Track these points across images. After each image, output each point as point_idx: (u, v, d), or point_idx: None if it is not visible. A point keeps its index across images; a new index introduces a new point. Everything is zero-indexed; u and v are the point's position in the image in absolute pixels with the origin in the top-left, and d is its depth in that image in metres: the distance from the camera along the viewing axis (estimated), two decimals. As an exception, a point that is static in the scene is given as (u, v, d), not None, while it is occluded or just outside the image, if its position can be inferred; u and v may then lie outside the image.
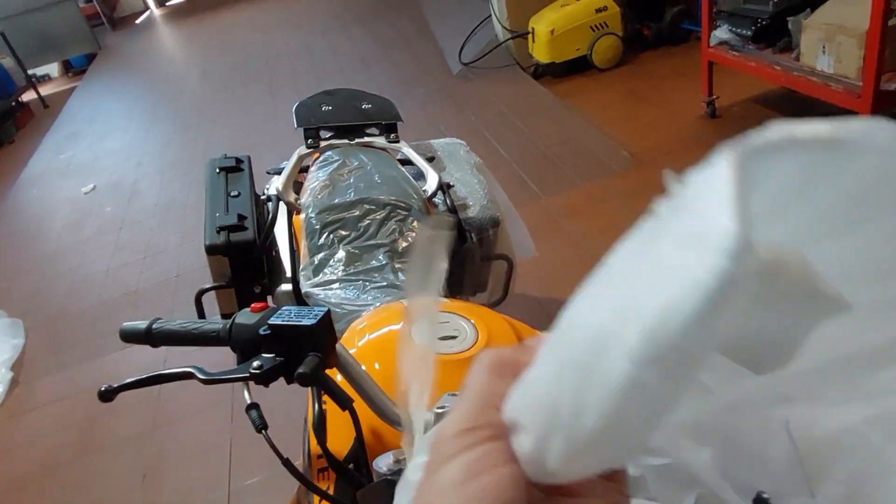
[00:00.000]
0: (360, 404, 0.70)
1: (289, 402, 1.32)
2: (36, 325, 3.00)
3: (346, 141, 1.72)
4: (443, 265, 0.36)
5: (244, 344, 0.67)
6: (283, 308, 0.68)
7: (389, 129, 1.75)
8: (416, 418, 0.38)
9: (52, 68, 8.28)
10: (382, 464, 0.67)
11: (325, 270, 1.29)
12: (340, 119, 1.77)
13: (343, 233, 1.35)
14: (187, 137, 4.94)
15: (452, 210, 1.46)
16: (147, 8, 10.28)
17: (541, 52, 4.01)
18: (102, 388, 0.66)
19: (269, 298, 1.56)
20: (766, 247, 0.22)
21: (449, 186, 1.54)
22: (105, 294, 3.11)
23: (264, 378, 0.65)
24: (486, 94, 4.13)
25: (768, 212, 0.23)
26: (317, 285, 1.26)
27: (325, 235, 1.36)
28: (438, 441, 0.25)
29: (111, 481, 2.10)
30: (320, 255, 1.32)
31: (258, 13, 8.30)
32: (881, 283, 0.28)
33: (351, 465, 0.75)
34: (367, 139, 1.74)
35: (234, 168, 1.65)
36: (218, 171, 1.64)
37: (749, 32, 2.70)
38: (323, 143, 1.71)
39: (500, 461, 0.24)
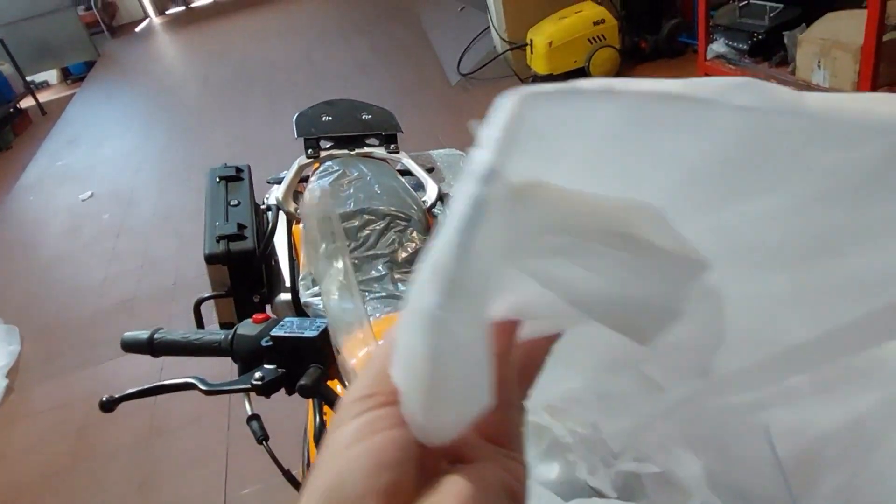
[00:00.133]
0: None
1: (286, 412, 1.31)
2: (32, 332, 2.99)
3: (346, 151, 1.73)
4: None
5: (246, 355, 0.68)
6: (285, 319, 0.68)
7: (389, 140, 1.76)
8: None
9: (51, 75, 8.29)
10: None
11: (325, 280, 1.29)
12: (340, 129, 1.79)
13: (343, 243, 1.36)
14: (186, 146, 4.95)
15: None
16: (146, 16, 10.32)
17: (539, 64, 4.04)
18: (104, 399, 0.67)
19: (268, 307, 1.56)
20: (523, 178, 0.23)
21: (448, 197, 1.55)
22: (102, 302, 3.11)
23: (266, 389, 0.65)
24: (484, 105, 4.09)
25: (602, 158, 0.25)
26: (316, 295, 1.26)
27: (324, 245, 1.36)
28: (339, 407, 0.27)
29: (107, 489, 2.09)
30: (320, 265, 1.32)
31: (258, 22, 8.34)
32: (799, 265, 0.29)
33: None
34: (366, 150, 1.75)
35: (234, 177, 1.66)
36: (218, 180, 1.65)
37: (745, 46, 2.73)
38: (323, 154, 1.72)
39: (388, 425, 0.25)
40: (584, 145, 0.26)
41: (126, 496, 2.03)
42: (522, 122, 0.23)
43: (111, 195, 4.34)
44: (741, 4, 2.87)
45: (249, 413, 0.73)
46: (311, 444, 0.81)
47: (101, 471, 2.16)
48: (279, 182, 1.66)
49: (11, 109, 6.39)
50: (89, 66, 8.12)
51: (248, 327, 0.69)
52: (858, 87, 2.17)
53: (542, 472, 0.48)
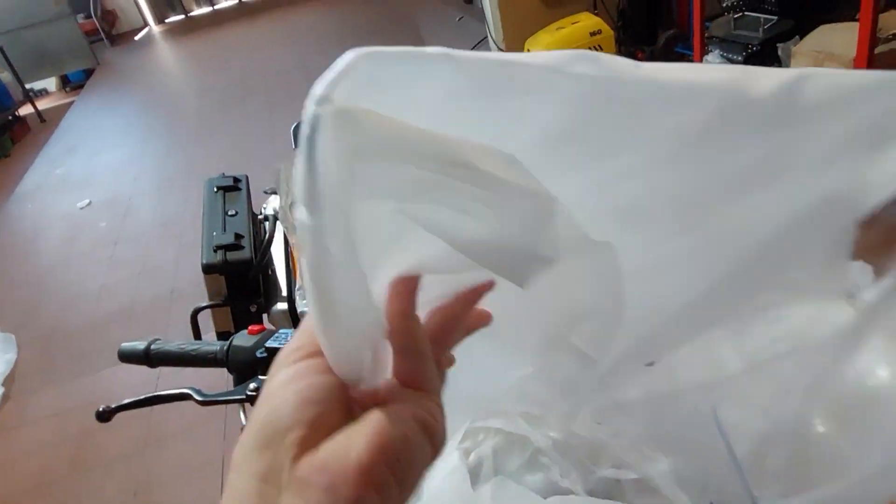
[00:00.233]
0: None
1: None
2: (28, 340, 2.99)
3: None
4: None
5: (241, 366, 0.68)
6: (280, 331, 0.69)
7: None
8: None
9: (50, 83, 8.31)
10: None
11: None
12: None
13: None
14: (184, 154, 4.96)
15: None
16: (146, 24, 10.36)
17: (536, 74, 4.06)
18: (100, 409, 0.67)
19: (265, 317, 1.57)
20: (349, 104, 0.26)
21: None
22: (99, 310, 3.11)
23: (261, 400, 0.66)
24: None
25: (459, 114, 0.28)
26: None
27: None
28: (276, 359, 0.31)
29: (102, 498, 2.09)
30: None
31: (257, 31, 8.37)
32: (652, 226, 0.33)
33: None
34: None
35: (231, 187, 1.67)
36: (216, 190, 1.66)
37: (740, 58, 2.75)
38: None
39: (315, 371, 0.29)
40: (429, 102, 0.28)
41: (121, 505, 2.03)
42: (358, 70, 0.26)
43: (109, 203, 4.35)
44: (736, 16, 2.90)
45: (244, 424, 0.74)
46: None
47: (96, 479, 2.16)
48: (277, 192, 1.67)
49: (10, 117, 6.40)
50: (88, 73, 8.14)
51: (243, 339, 0.70)
52: (851, 99, 2.19)
53: (528, 479, 0.49)
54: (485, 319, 0.38)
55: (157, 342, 0.73)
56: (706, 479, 0.41)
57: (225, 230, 1.52)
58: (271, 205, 1.61)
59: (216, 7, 10.43)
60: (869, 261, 0.36)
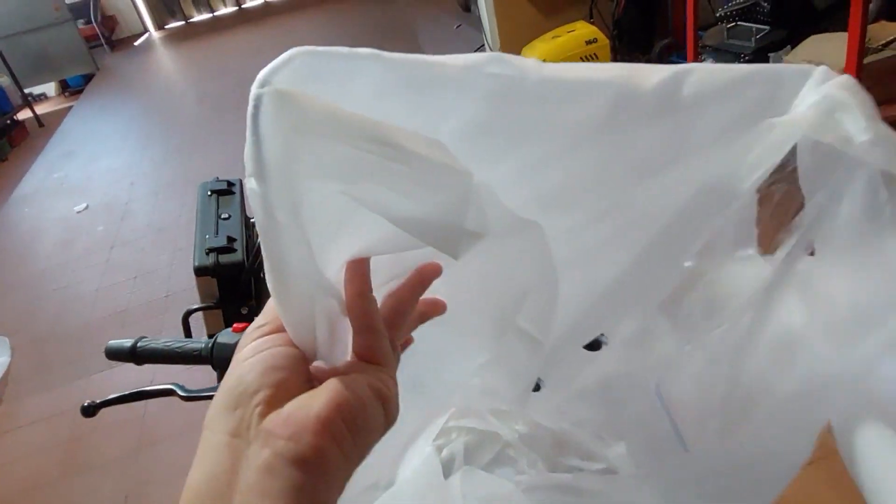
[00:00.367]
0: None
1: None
2: (22, 343, 2.99)
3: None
4: None
5: (225, 363, 0.69)
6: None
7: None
8: None
9: (50, 88, 8.33)
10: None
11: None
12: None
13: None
14: (182, 159, 4.98)
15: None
16: (146, 30, 10.40)
17: (532, 82, 4.09)
18: (85, 404, 0.68)
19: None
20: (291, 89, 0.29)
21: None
22: (94, 313, 3.11)
23: (244, 396, 0.67)
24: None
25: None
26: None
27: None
28: (244, 335, 0.34)
29: (94, 501, 2.09)
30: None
31: (256, 38, 8.41)
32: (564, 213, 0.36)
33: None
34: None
35: (225, 191, 1.68)
36: (209, 193, 1.67)
37: (733, 67, 2.78)
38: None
39: (279, 344, 0.32)
40: (361, 95, 0.31)
41: (113, 508, 2.03)
42: (297, 63, 0.30)
43: (106, 208, 4.36)
44: (729, 26, 2.93)
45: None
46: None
47: (88, 483, 2.16)
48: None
49: (9, 121, 6.41)
50: (87, 79, 8.17)
51: (227, 336, 0.71)
52: (841, 108, 2.21)
53: (498, 472, 0.51)
54: (439, 308, 0.40)
55: (144, 339, 0.74)
56: (659, 456, 0.43)
57: (217, 233, 1.53)
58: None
59: (216, 13, 10.48)
60: (765, 239, 0.40)
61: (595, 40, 3.96)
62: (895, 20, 2.48)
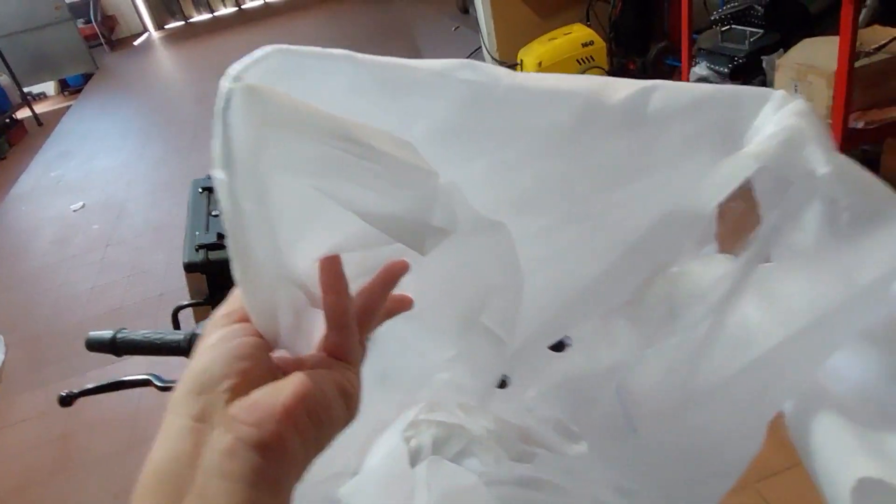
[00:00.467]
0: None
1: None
2: (17, 340, 2.99)
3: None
4: None
5: (203, 354, 0.70)
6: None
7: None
8: None
9: (49, 87, 8.34)
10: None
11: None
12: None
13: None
14: (179, 159, 4.98)
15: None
16: (146, 30, 10.41)
17: (528, 84, 4.09)
18: (63, 393, 0.69)
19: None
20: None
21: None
22: (88, 311, 3.12)
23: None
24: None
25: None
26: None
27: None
28: (209, 322, 0.35)
29: (84, 499, 2.09)
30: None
31: (255, 38, 8.42)
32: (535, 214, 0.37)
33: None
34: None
35: (216, 188, 1.69)
36: (201, 190, 1.68)
37: (726, 70, 2.79)
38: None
39: (245, 334, 0.33)
40: (333, 95, 0.32)
41: (103, 505, 2.03)
42: (270, 60, 0.31)
43: (103, 206, 4.36)
44: (723, 29, 2.94)
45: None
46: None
47: (79, 480, 2.17)
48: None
49: (7, 120, 6.42)
50: (87, 78, 8.18)
51: (205, 328, 0.71)
52: (832, 111, 2.22)
53: (465, 464, 0.52)
54: (406, 304, 0.41)
55: (124, 331, 0.75)
56: (617, 451, 0.43)
57: (208, 230, 1.54)
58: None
59: (216, 14, 10.50)
60: (725, 248, 0.41)
61: (591, 43, 3.97)
62: (889, 25, 2.49)
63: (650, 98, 0.34)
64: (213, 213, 1.60)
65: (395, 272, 0.39)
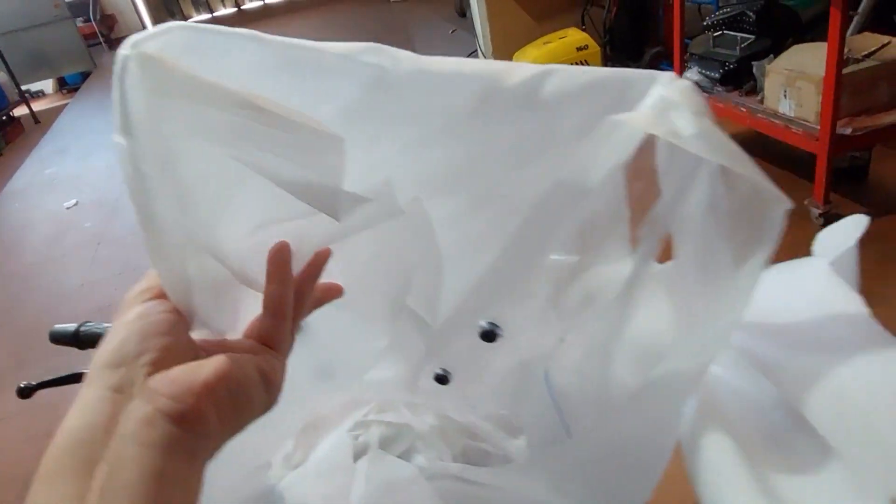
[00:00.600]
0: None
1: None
2: (5, 336, 2.99)
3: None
4: None
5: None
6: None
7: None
8: None
9: (47, 85, 8.35)
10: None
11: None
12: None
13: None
14: (174, 157, 4.98)
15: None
16: (145, 29, 10.41)
17: (523, 87, 4.10)
18: (21, 385, 0.69)
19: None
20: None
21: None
22: (78, 308, 3.11)
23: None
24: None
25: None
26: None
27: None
28: (125, 298, 0.35)
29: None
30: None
31: (254, 39, 8.43)
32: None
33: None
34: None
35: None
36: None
37: (717, 75, 2.80)
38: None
39: (162, 310, 0.33)
40: (238, 72, 0.32)
41: None
42: (173, 34, 0.31)
43: (95, 204, 4.36)
44: (715, 35, 2.95)
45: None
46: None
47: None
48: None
49: (4, 117, 6.43)
50: (85, 76, 8.19)
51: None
52: (821, 117, 2.23)
53: (414, 462, 0.52)
54: (335, 292, 0.41)
55: (88, 324, 0.75)
56: (551, 446, 0.44)
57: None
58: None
59: (215, 14, 10.52)
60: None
61: (586, 47, 3.97)
62: (880, 31, 2.50)
63: (545, 82, 0.35)
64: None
65: (319, 260, 0.39)
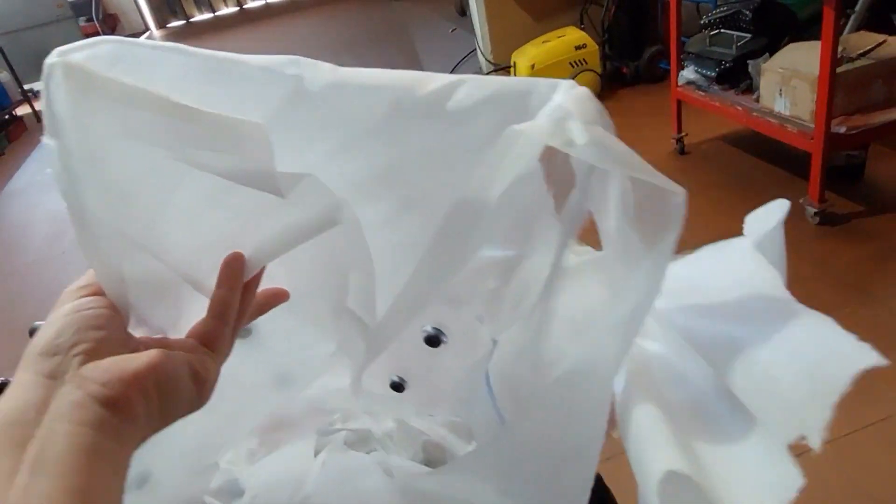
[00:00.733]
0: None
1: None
2: (6, 335, 3.00)
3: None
4: None
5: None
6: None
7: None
8: None
9: (49, 84, 8.38)
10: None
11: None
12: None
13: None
14: (174, 156, 5.00)
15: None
16: (147, 29, 10.46)
17: (521, 86, 4.10)
18: (1, 379, 0.69)
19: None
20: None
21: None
22: (76, 307, 3.13)
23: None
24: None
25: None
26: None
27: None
28: (64, 293, 0.37)
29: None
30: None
31: (255, 38, 8.46)
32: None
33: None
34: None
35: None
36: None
37: (713, 73, 2.79)
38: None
39: (99, 306, 0.35)
40: (164, 82, 0.33)
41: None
42: (100, 47, 0.33)
43: (96, 203, 4.38)
44: (712, 33, 2.95)
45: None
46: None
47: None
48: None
49: (7, 116, 6.46)
50: (87, 76, 8.22)
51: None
52: (816, 116, 2.22)
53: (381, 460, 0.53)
54: (281, 297, 0.42)
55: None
56: (495, 447, 0.45)
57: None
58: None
59: (217, 13, 10.54)
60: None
61: (584, 45, 3.98)
62: (879, 31, 2.49)
63: (455, 92, 0.36)
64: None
65: (254, 278, 0.40)
